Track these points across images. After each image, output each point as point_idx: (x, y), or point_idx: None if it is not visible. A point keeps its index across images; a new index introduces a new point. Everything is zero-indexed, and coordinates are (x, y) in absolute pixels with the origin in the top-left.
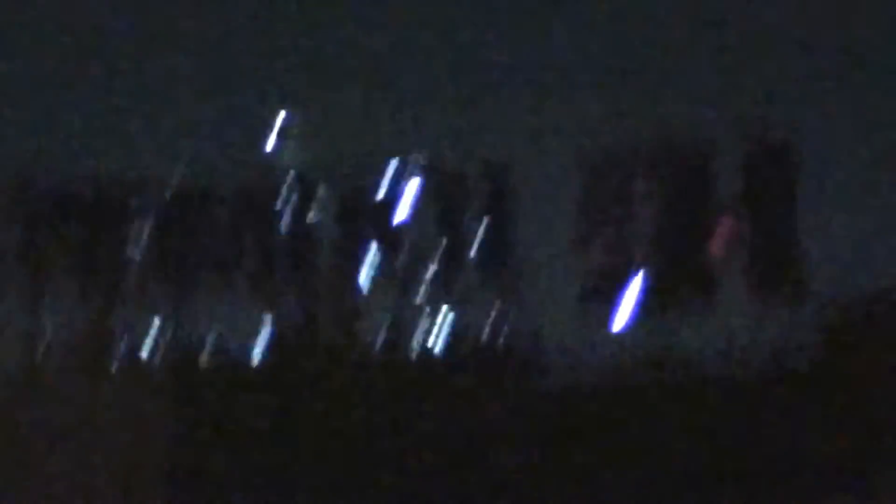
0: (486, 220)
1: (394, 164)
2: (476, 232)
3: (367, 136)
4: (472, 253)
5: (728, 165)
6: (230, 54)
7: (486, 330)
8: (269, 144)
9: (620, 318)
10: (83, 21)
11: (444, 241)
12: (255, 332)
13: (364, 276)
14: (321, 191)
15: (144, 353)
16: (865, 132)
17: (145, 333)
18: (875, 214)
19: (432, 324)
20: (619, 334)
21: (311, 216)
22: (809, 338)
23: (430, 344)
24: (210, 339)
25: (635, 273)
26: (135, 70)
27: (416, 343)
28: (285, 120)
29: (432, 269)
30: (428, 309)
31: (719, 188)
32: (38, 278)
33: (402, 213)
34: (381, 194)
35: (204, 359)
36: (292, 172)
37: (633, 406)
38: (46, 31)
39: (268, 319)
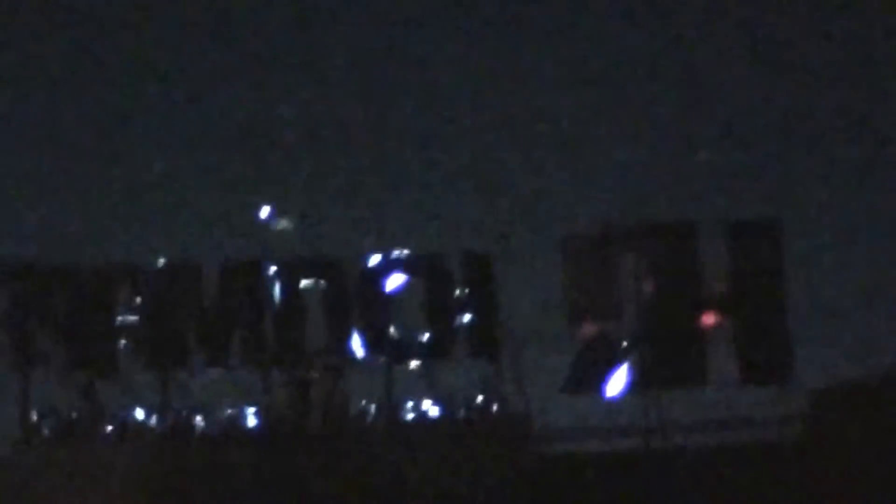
0: (474, 296)
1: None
2: (465, 306)
3: (356, 226)
4: (463, 325)
5: (717, 249)
6: (224, 147)
7: (479, 398)
8: (262, 231)
9: (612, 388)
10: (72, 105)
11: (437, 311)
12: (248, 402)
13: (355, 345)
14: (311, 272)
15: (138, 423)
16: (850, 215)
17: (139, 403)
18: (859, 299)
19: (424, 392)
20: (610, 403)
21: (303, 291)
22: (792, 414)
23: (422, 411)
24: (203, 409)
25: (626, 348)
26: (131, 155)
27: (408, 410)
28: (272, 210)
29: (423, 338)
30: (420, 378)
31: (708, 270)
32: (33, 350)
33: (391, 286)
34: (369, 277)
35: (197, 428)
36: (284, 257)
37: (621, 473)
38: (38, 118)
39: (260, 389)
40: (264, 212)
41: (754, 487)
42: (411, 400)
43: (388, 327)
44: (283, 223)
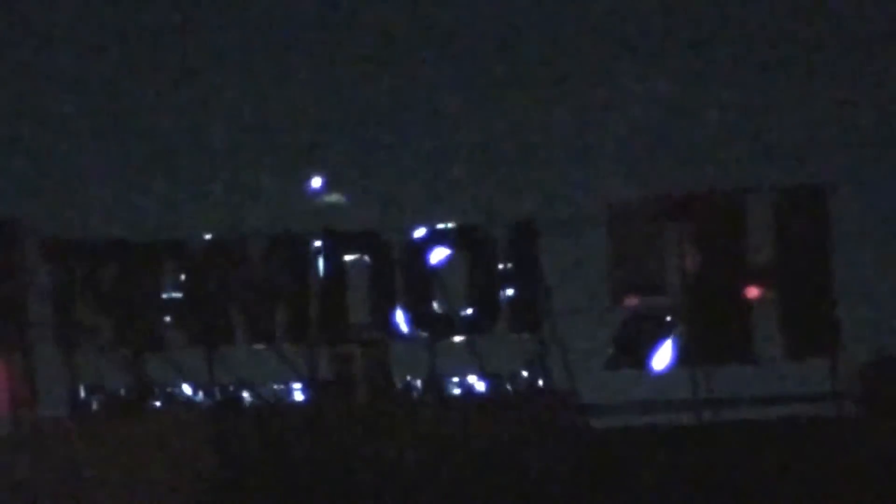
0: (518, 269)
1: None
2: (509, 280)
3: (400, 199)
4: (507, 299)
5: (763, 219)
6: (274, 124)
7: (524, 371)
8: (308, 203)
9: (657, 362)
10: (122, 89)
11: (480, 284)
12: (292, 377)
13: (398, 319)
14: (355, 246)
15: (185, 398)
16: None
17: (186, 378)
18: None
19: (468, 366)
20: (655, 377)
21: (348, 266)
22: (841, 388)
23: (467, 386)
24: (249, 384)
25: (671, 321)
26: (177, 130)
27: (452, 385)
28: (323, 183)
29: (467, 312)
30: (464, 352)
31: (754, 241)
32: (83, 326)
33: (435, 259)
34: (413, 252)
35: (243, 402)
36: (329, 229)
37: (667, 447)
38: (88, 103)
39: (304, 364)
40: (315, 183)
41: (803, 462)
42: (455, 375)
43: (431, 302)
44: (334, 197)
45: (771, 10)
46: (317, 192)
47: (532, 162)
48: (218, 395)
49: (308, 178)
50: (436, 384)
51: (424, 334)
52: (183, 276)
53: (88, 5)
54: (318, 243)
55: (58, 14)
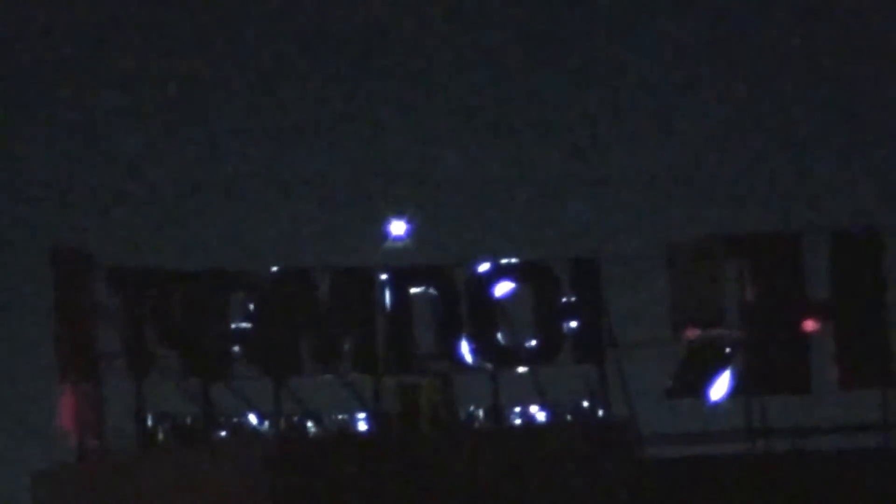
0: (581, 302)
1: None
2: (572, 313)
3: (465, 234)
4: (570, 331)
5: (819, 253)
6: (338, 157)
7: (585, 403)
8: (373, 239)
9: (715, 392)
10: (191, 123)
11: (544, 317)
12: (358, 406)
13: (463, 350)
14: (421, 279)
15: (251, 427)
16: None
17: (252, 408)
18: None
19: (530, 394)
20: (713, 408)
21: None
22: (894, 419)
23: (529, 416)
24: (313, 414)
25: (729, 352)
26: (249, 160)
27: (515, 415)
28: (408, 229)
29: (531, 343)
30: (527, 382)
31: (809, 276)
32: (151, 356)
33: (499, 293)
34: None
35: (307, 431)
36: (396, 263)
37: (724, 477)
38: (157, 135)
39: (370, 394)
40: (396, 228)
41: (856, 492)
42: (518, 404)
43: (495, 333)
44: (409, 241)
45: (830, 57)
46: (399, 238)
47: (596, 200)
48: (283, 425)
49: (385, 220)
50: (498, 413)
51: (489, 365)
52: (251, 307)
53: (155, 52)
54: (384, 276)
55: (118, 55)
